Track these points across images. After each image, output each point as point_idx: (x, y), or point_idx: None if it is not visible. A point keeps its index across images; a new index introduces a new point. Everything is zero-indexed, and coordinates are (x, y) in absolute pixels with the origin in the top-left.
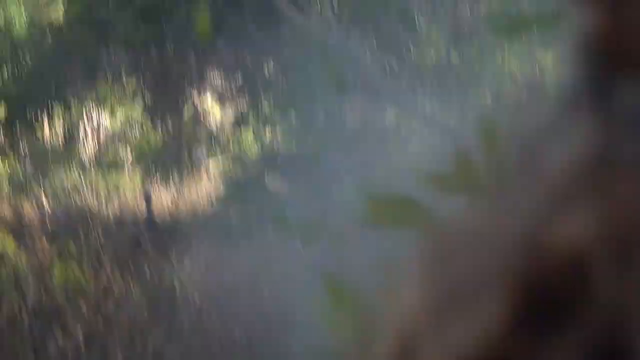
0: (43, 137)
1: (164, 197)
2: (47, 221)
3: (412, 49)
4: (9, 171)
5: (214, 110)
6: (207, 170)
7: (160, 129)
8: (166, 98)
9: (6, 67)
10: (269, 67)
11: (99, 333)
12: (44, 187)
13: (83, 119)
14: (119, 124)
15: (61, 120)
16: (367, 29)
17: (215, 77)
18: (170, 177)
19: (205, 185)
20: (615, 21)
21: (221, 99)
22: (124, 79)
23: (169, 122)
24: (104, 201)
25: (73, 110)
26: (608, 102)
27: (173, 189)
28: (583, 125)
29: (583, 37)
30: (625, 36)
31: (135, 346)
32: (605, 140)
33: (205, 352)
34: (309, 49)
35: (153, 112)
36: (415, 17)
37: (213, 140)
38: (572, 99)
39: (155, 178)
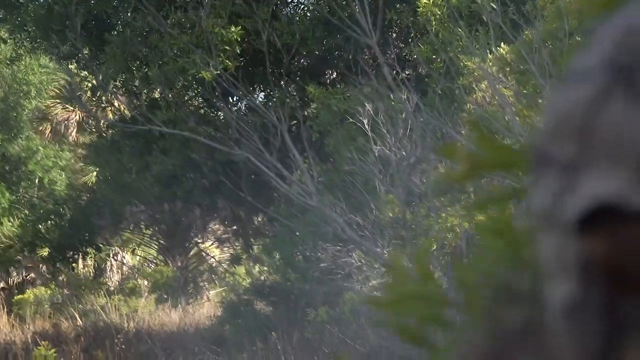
0: (78, 270)
1: (173, 316)
2: (80, 334)
3: (373, 209)
4: (50, 295)
5: (214, 251)
6: (207, 296)
7: (170, 265)
8: (176, 241)
9: (50, 219)
10: (259, 220)
11: None
12: (77, 308)
13: (110, 257)
14: (138, 260)
15: (92, 258)
16: (338, 194)
17: (216, 227)
18: (178, 301)
19: (206, 307)
20: (615, 248)
21: (220, 242)
22: (143, 227)
23: (178, 260)
24: (125, 319)
25: (102, 250)
26: (610, 317)
27: (181, 310)
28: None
29: (588, 260)
30: (623, 262)
31: None
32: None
33: None
34: (291, 207)
35: (165, 252)
36: (377, 185)
37: (213, 273)
38: (575, 311)
39: (166, 302)
